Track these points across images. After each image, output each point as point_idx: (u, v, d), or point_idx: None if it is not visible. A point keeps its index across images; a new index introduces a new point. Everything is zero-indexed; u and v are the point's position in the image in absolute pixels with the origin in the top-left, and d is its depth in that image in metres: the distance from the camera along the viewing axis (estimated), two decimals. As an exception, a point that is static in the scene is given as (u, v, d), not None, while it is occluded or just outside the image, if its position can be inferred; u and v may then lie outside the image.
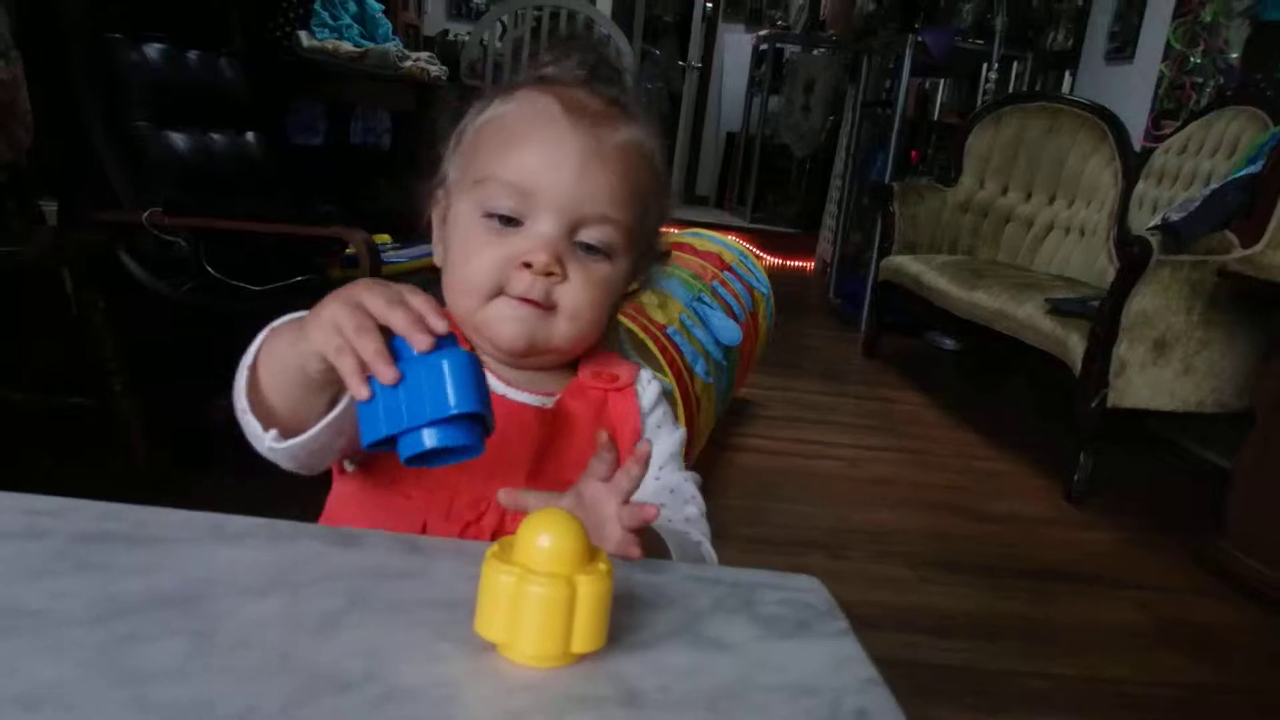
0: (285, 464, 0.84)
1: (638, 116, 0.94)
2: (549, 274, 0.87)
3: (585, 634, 0.59)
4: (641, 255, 0.96)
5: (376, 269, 2.48)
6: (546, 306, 0.88)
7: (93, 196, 2.59)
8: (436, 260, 0.99)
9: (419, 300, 0.71)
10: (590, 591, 0.59)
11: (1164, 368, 3.26)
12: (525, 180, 0.87)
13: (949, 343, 5.53)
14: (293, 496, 2.56)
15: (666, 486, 0.96)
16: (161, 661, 0.55)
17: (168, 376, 2.67)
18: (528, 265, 0.87)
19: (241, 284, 2.61)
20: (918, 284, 4.58)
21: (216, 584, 0.65)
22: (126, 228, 2.55)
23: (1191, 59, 4.51)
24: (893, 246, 5.08)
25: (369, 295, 0.71)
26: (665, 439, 0.98)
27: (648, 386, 0.99)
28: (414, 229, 1.05)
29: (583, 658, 0.60)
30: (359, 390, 0.69)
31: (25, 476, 2.33)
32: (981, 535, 2.98)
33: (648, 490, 0.94)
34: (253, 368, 0.82)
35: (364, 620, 0.63)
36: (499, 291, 0.89)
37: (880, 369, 5.11)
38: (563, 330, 0.90)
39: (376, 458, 0.89)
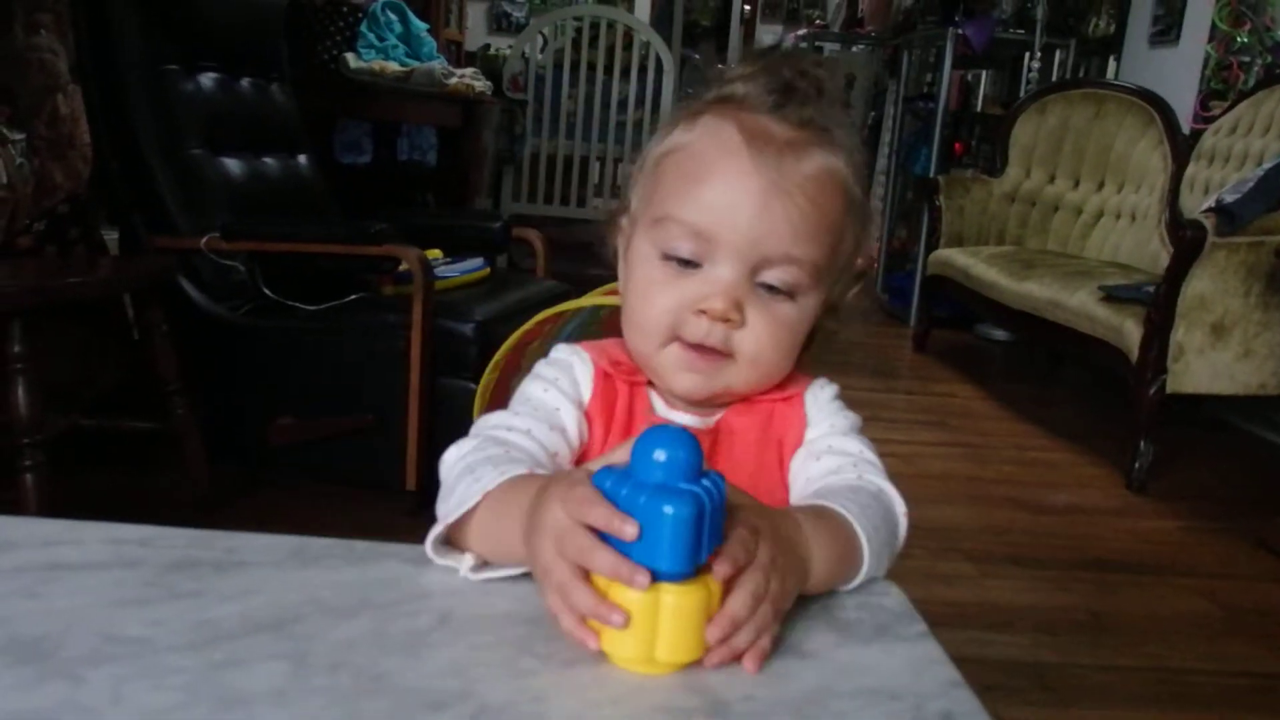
0: None
1: (832, 138, 0.86)
2: (726, 320, 0.83)
3: (671, 646, 0.62)
4: (835, 283, 0.90)
5: (430, 285, 2.50)
6: (724, 353, 0.84)
7: (151, 223, 2.63)
8: (621, 289, 0.93)
9: (601, 514, 0.62)
10: (677, 602, 0.61)
11: (1223, 351, 3.22)
12: (703, 222, 0.82)
13: (1000, 334, 5.50)
14: (345, 512, 2.59)
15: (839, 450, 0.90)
16: (262, 685, 0.57)
17: (227, 397, 2.71)
18: (704, 311, 0.83)
19: (297, 304, 2.64)
20: (967, 276, 4.55)
21: (305, 606, 0.67)
22: (185, 253, 2.59)
23: (1238, 39, 4.46)
24: (940, 240, 5.05)
25: (568, 542, 0.63)
26: (840, 418, 0.92)
27: (820, 393, 0.93)
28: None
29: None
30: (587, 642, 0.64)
31: (92, 498, 2.38)
32: (1042, 528, 2.94)
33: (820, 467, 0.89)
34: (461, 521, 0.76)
35: (451, 638, 0.64)
36: (675, 336, 0.85)
37: (931, 364, 5.07)
38: (744, 376, 0.86)
39: None
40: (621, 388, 0.90)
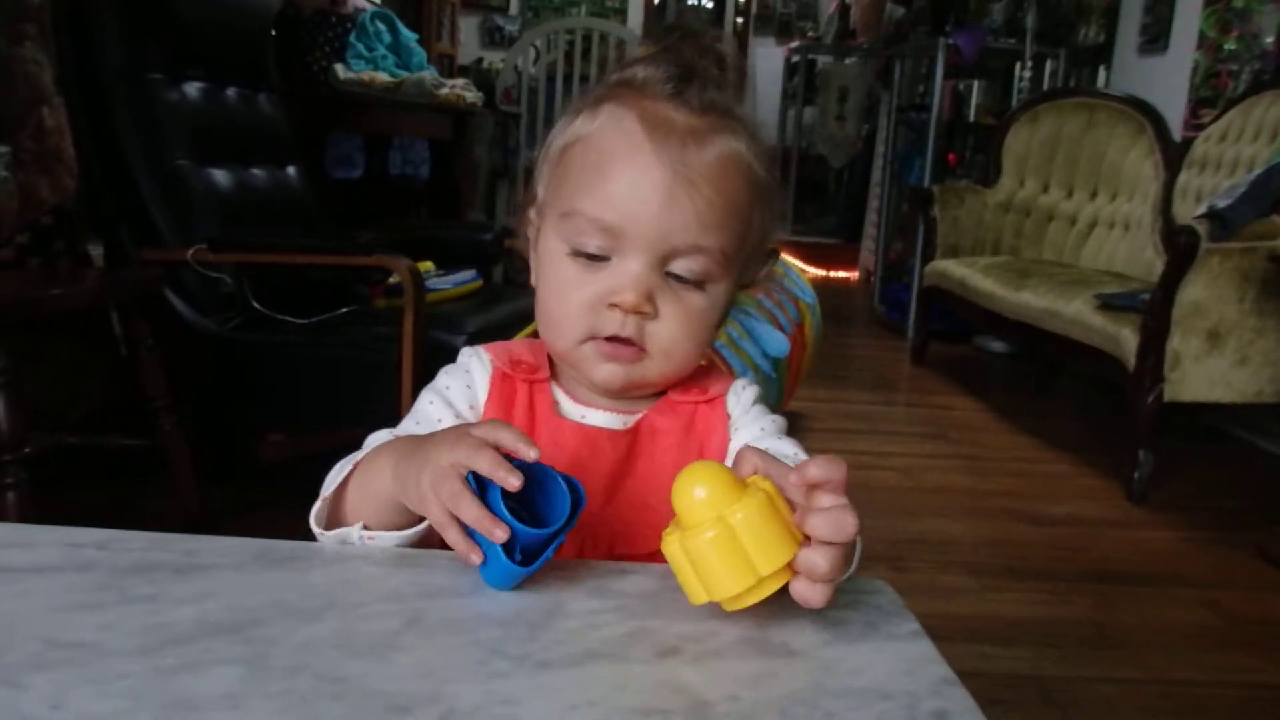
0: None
1: (735, 121, 0.87)
2: (639, 312, 0.84)
3: (765, 555, 0.64)
4: (746, 265, 0.92)
5: (421, 297, 2.47)
6: (639, 346, 0.86)
7: (137, 236, 2.60)
8: (533, 283, 0.94)
9: (508, 435, 0.70)
10: (748, 515, 0.64)
11: (1219, 358, 3.20)
12: (610, 217, 0.83)
13: (998, 346, 5.48)
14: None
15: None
16: (213, 690, 0.54)
17: (217, 413, 2.67)
18: (616, 305, 0.84)
19: (287, 318, 2.61)
20: (963, 287, 4.54)
21: (267, 609, 0.64)
22: (172, 266, 2.56)
23: (1226, 46, 4.48)
24: (936, 251, 5.04)
25: (457, 452, 0.70)
26: (767, 420, 0.94)
27: (742, 394, 0.95)
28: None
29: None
30: (470, 559, 0.69)
31: (80, 517, 2.34)
32: (1043, 540, 2.92)
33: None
34: (340, 492, 0.82)
35: (420, 640, 0.62)
36: (590, 334, 0.86)
37: (930, 376, 5.05)
38: (657, 368, 0.87)
39: None
40: (521, 387, 0.92)
